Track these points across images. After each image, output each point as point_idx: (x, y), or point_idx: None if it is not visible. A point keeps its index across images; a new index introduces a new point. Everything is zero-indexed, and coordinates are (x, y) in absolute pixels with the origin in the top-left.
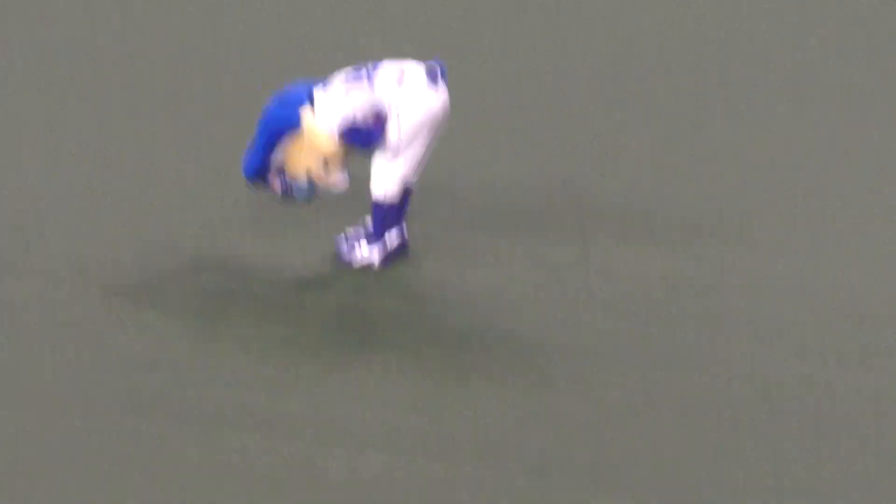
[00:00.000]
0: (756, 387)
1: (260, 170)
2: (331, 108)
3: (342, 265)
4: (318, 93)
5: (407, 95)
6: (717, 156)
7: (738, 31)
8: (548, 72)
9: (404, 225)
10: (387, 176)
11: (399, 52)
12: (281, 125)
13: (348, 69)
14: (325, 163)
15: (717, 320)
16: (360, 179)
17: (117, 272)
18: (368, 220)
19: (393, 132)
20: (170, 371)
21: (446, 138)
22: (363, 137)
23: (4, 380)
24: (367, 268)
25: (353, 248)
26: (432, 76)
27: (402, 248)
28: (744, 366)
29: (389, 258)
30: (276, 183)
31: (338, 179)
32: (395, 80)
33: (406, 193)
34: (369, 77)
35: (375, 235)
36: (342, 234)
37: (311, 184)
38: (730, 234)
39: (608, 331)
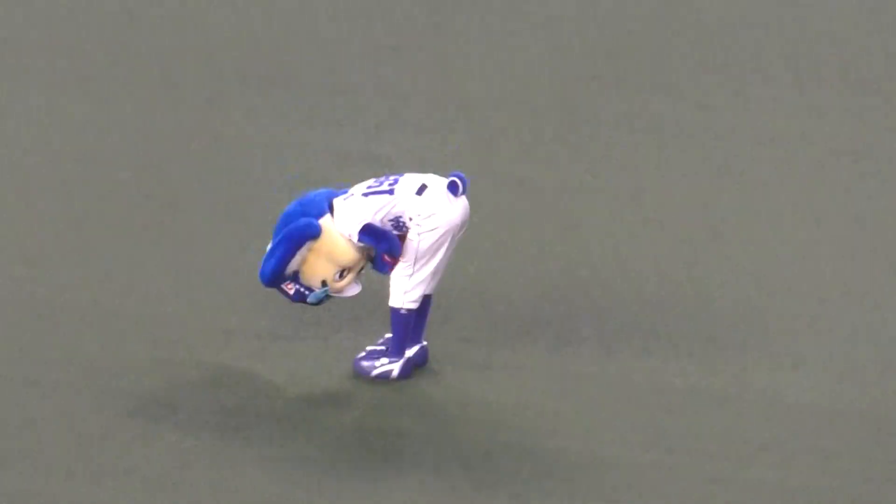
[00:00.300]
0: (780, 500)
1: (277, 276)
2: (351, 219)
3: (361, 378)
4: (339, 202)
5: (427, 207)
6: (737, 267)
7: (765, 143)
8: (564, 181)
9: (424, 333)
10: (405, 286)
11: (416, 161)
12: (301, 234)
13: (370, 180)
14: (342, 272)
15: (737, 433)
16: (379, 294)
17: (136, 387)
18: (388, 336)
19: (412, 245)
20: (189, 490)
21: (464, 249)
22: (383, 245)
23: (26, 493)
24: (386, 377)
25: (372, 365)
26: (453, 189)
27: (422, 358)
28: (766, 479)
29: (409, 368)
30: (290, 287)
31: (351, 288)
32: (415, 192)
33: (425, 301)
34: (390, 188)
35: (395, 348)
36: (362, 353)
37: (325, 290)
38: (750, 346)
39: (631, 444)
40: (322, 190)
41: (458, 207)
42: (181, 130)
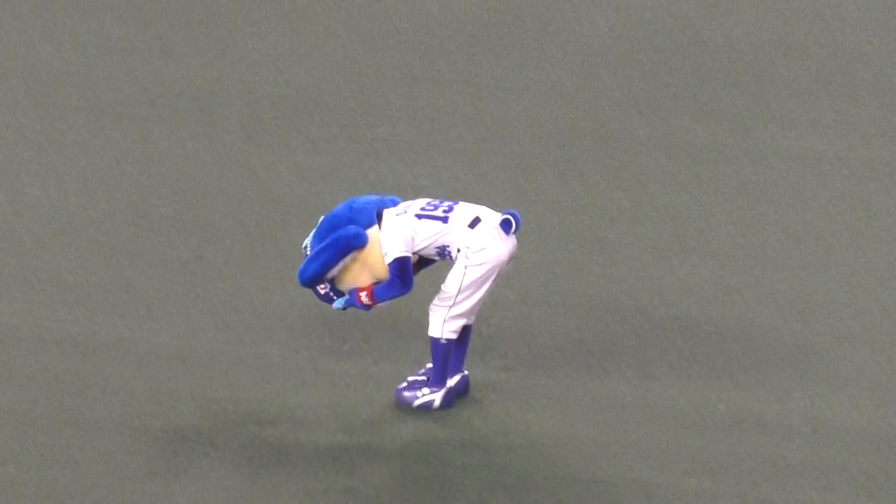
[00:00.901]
0: None
1: (317, 280)
2: (396, 240)
3: (403, 408)
4: (390, 215)
5: (478, 241)
6: (777, 289)
7: (812, 177)
8: (600, 204)
9: (465, 362)
10: (445, 317)
11: (452, 188)
12: (349, 243)
13: (424, 200)
14: (377, 283)
15: (780, 456)
16: (420, 323)
17: (177, 422)
18: (429, 366)
19: (456, 276)
20: None
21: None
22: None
23: None
24: (428, 407)
25: (414, 395)
26: (506, 227)
27: (464, 387)
28: (809, 503)
29: (451, 397)
30: (323, 288)
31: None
32: (468, 224)
33: (466, 330)
34: (445, 215)
35: (436, 378)
36: (403, 383)
37: (353, 295)
38: (791, 368)
39: (673, 470)
40: (373, 197)
41: (507, 245)
42: (217, 162)
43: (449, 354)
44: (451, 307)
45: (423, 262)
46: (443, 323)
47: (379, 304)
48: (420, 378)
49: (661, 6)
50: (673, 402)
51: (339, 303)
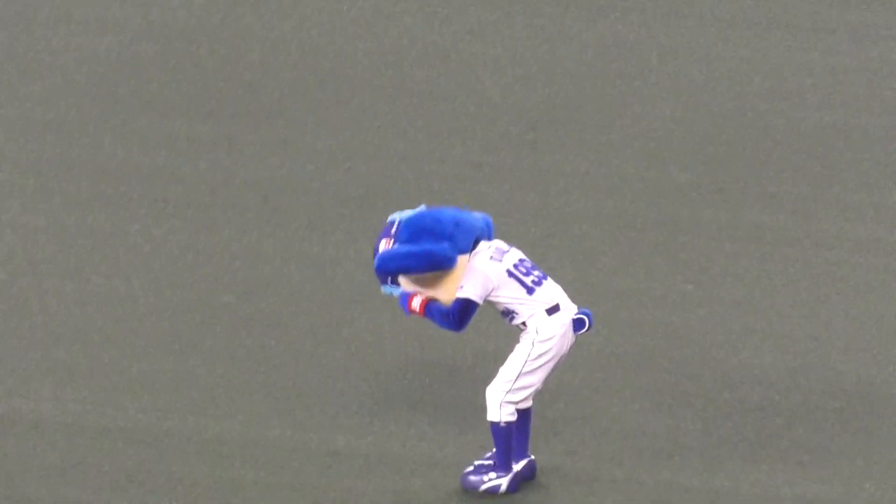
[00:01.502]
0: None
1: (391, 274)
2: (476, 284)
3: (470, 493)
4: (485, 255)
5: (549, 330)
6: (842, 374)
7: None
8: (665, 291)
9: (529, 447)
10: (502, 400)
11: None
12: (438, 264)
13: (519, 252)
14: (434, 299)
15: None
16: (483, 407)
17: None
18: (494, 451)
19: (518, 361)
20: None
21: (567, 361)
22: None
23: None
24: (494, 492)
25: (480, 480)
26: (578, 326)
27: (530, 472)
28: None
29: (517, 482)
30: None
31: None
32: (547, 307)
33: (525, 414)
34: (532, 286)
35: (501, 462)
36: (469, 468)
37: (406, 296)
38: (857, 452)
39: None
40: (478, 220)
41: (571, 340)
42: (281, 254)
43: (510, 437)
44: (507, 391)
45: None
46: (500, 406)
47: (423, 318)
48: (486, 462)
49: (724, 92)
50: (739, 487)
51: (391, 289)
